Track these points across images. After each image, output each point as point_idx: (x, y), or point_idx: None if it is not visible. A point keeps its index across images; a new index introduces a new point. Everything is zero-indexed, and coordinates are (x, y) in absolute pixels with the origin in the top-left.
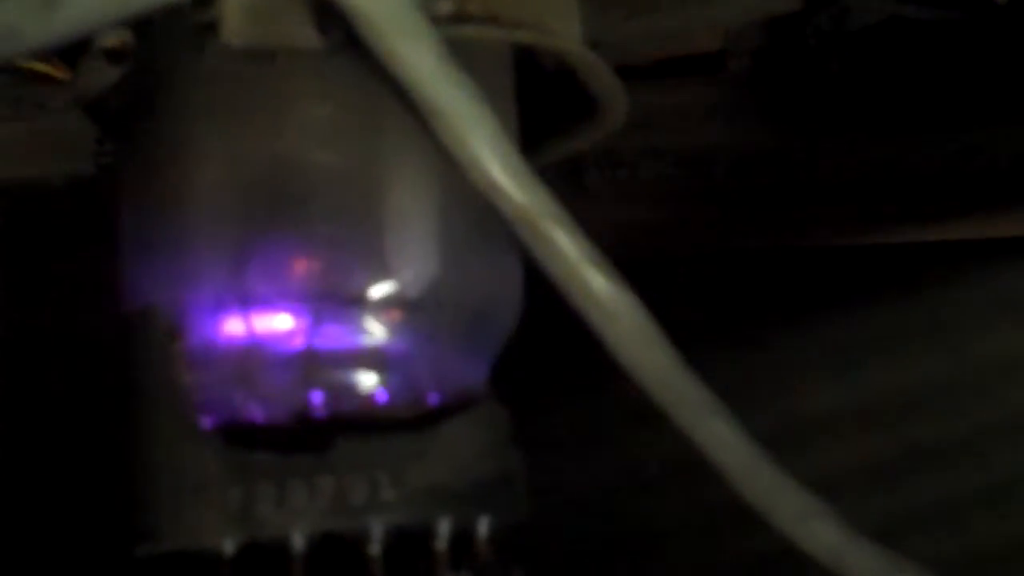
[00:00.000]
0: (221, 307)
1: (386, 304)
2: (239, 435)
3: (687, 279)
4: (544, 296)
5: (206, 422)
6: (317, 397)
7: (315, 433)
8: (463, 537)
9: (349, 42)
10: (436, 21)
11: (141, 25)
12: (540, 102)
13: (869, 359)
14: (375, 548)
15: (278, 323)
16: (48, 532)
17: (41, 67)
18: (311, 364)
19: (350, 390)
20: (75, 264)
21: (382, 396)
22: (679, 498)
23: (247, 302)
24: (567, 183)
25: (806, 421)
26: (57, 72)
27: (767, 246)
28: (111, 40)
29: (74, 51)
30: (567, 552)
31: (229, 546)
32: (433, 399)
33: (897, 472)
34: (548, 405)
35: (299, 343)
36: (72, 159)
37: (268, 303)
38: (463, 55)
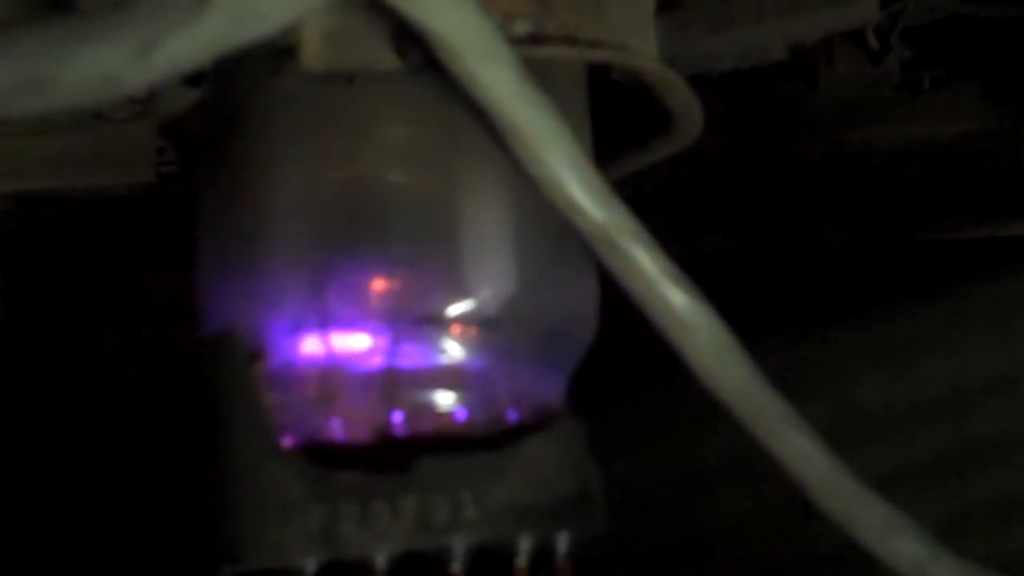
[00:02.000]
0: (301, 328)
1: (464, 322)
2: (321, 455)
3: (745, 276)
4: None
5: (288, 442)
6: (397, 416)
7: (396, 452)
8: (543, 553)
9: (427, 63)
10: (513, 42)
11: None
12: (610, 115)
13: (926, 354)
14: (457, 566)
15: (357, 343)
16: (134, 553)
17: None
18: (391, 383)
19: (429, 408)
20: (142, 276)
21: (461, 414)
22: (738, 497)
23: (327, 323)
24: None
25: (863, 417)
26: None
27: (825, 243)
28: None
29: None
30: (627, 552)
31: (311, 565)
32: (512, 416)
33: (955, 468)
34: (606, 405)
35: (378, 363)
36: (133, 168)
37: (347, 323)
38: (540, 74)
